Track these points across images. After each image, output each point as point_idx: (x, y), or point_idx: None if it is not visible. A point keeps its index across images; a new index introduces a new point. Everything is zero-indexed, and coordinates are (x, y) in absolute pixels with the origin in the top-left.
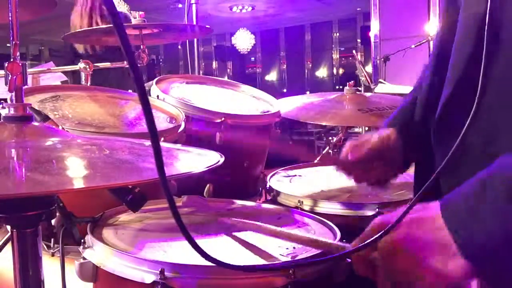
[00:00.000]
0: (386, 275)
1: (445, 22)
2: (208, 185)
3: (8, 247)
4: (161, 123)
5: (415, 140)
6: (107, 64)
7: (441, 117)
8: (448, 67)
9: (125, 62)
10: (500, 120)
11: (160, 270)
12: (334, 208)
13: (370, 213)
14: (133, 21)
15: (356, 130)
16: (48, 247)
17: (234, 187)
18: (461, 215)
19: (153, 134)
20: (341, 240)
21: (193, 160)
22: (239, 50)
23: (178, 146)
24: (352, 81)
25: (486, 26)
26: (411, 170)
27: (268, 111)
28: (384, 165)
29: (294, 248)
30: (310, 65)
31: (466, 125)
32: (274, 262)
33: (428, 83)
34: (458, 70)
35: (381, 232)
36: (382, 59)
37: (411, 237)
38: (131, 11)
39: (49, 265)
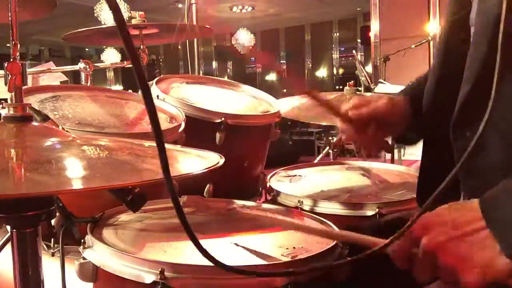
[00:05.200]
0: (429, 270)
1: (453, 17)
2: (208, 185)
3: (8, 247)
4: (161, 123)
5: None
6: (107, 64)
7: (460, 115)
8: (465, 66)
9: (125, 62)
10: None
11: (160, 270)
12: (334, 208)
13: (370, 213)
14: (133, 21)
15: None
16: (48, 247)
17: (234, 187)
18: (501, 214)
19: (158, 134)
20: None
21: (193, 161)
22: (239, 50)
23: (178, 146)
24: (352, 81)
25: (501, 25)
26: (411, 170)
27: (268, 111)
28: (378, 129)
29: (294, 248)
30: (310, 65)
31: (483, 122)
32: (275, 262)
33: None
34: (475, 69)
35: (402, 229)
36: (382, 59)
37: (454, 235)
38: (131, 11)
39: (49, 265)
